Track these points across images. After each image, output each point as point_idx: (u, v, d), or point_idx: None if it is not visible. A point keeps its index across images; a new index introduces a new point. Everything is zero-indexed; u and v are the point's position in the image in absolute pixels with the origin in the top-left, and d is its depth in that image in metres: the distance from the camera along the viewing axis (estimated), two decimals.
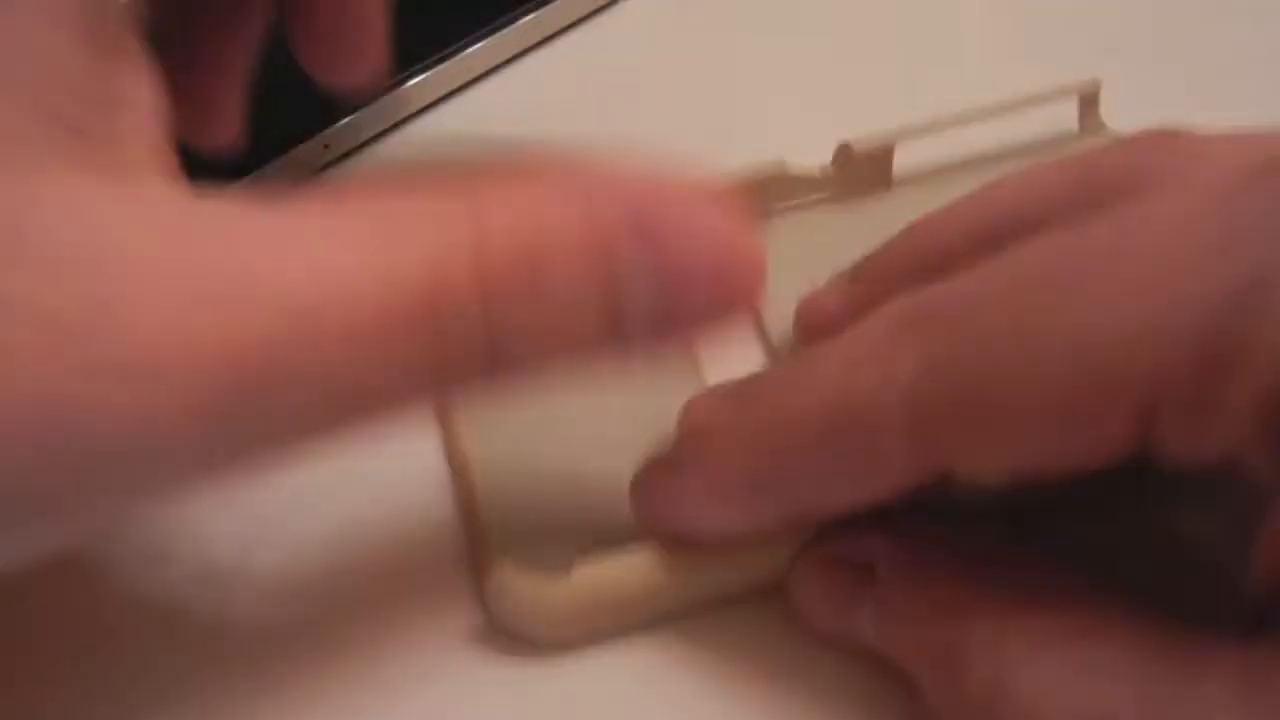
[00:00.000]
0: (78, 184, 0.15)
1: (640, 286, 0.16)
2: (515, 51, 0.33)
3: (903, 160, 0.28)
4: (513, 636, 0.21)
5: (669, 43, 0.33)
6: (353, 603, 0.21)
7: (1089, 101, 0.29)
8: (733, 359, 0.24)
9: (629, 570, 0.20)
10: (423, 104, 0.31)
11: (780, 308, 0.25)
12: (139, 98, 0.17)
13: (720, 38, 0.30)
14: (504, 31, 0.32)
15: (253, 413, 0.15)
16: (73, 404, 0.14)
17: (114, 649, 0.21)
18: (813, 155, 0.27)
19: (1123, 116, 0.29)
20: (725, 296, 0.17)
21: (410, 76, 0.31)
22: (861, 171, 0.28)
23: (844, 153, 0.27)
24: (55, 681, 0.20)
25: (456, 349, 0.16)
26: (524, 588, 0.20)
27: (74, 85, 0.16)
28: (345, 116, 0.30)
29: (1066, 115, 0.29)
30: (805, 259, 0.27)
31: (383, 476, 0.23)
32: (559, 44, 0.33)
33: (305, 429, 0.16)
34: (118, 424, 0.14)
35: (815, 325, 0.25)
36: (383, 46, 0.25)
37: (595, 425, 0.24)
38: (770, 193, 0.27)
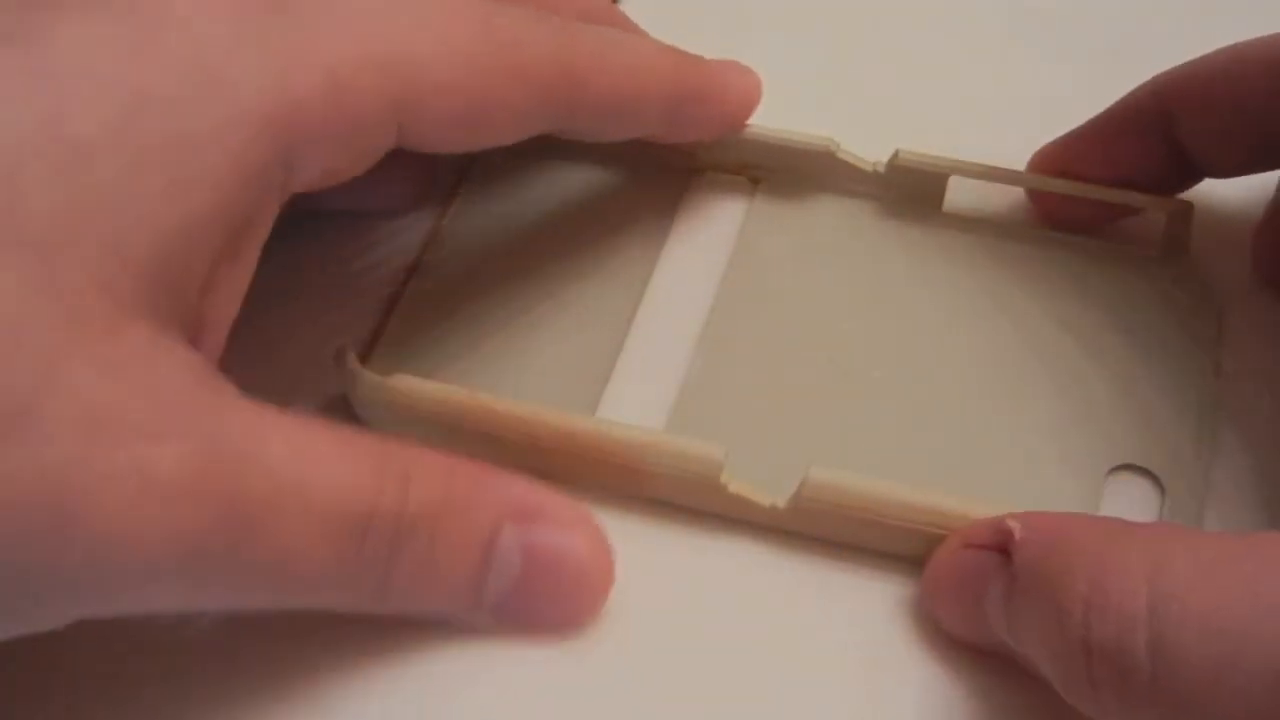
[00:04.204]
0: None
1: (505, 575, 0.20)
2: None
3: (958, 192, 0.26)
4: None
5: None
6: None
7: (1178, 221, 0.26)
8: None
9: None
10: None
11: (780, 284, 0.26)
12: (235, 296, 0.20)
13: (721, 41, 0.28)
14: None
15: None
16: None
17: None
18: None
19: None
20: (571, 613, 0.21)
21: None
22: (910, 185, 0.25)
23: (895, 159, 0.26)
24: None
25: (366, 569, 0.19)
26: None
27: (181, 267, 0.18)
28: None
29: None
30: (827, 244, 0.26)
31: None
32: None
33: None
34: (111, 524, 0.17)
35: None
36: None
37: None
38: (812, 167, 0.26)
